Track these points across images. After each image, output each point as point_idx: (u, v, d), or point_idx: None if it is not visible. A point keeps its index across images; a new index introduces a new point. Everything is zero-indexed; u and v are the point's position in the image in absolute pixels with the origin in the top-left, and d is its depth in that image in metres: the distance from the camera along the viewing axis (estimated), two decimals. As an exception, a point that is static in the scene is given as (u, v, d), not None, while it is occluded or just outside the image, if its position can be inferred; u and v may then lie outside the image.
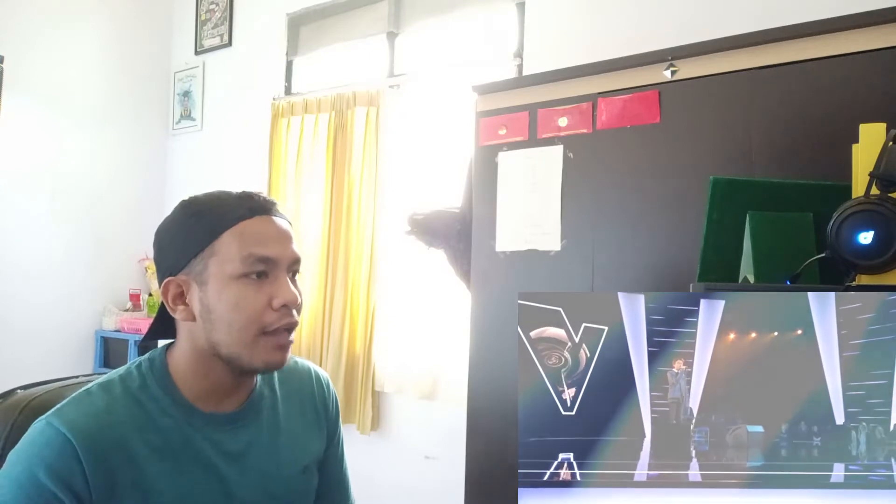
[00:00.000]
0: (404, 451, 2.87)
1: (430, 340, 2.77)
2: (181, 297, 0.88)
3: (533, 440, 0.66)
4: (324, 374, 1.10)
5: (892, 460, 0.67)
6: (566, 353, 0.66)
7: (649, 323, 0.67)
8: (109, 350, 3.65)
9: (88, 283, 3.63)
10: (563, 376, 0.66)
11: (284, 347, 0.89)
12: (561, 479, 0.67)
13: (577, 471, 0.66)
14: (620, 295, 0.67)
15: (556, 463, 0.67)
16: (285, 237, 0.90)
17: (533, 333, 0.66)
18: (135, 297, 3.73)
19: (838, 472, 0.66)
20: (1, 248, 3.30)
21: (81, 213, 3.59)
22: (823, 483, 0.66)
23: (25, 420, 0.90)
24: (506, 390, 1.88)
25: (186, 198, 0.91)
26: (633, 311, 0.66)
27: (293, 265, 0.90)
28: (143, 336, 1.00)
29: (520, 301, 0.66)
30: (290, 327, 0.88)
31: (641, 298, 0.67)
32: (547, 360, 0.66)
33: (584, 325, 0.65)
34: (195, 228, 0.87)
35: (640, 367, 0.67)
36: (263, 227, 0.88)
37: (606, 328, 0.66)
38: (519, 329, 0.66)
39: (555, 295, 0.68)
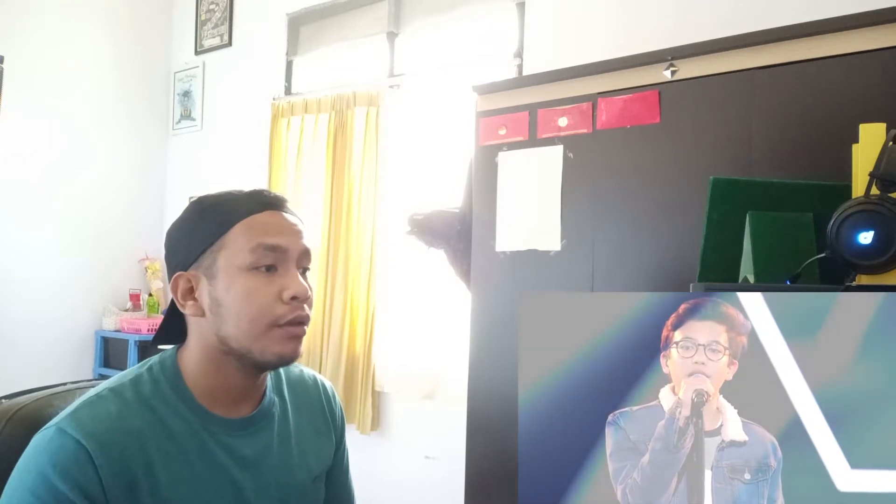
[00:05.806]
0: (404, 451, 2.87)
1: (430, 340, 2.77)
2: (190, 292, 0.87)
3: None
4: (328, 383, 1.08)
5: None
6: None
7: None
8: (109, 350, 3.65)
9: (88, 283, 3.63)
10: None
11: (297, 338, 0.87)
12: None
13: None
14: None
15: None
16: (295, 231, 0.89)
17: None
18: (135, 297, 3.73)
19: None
20: (1, 247, 3.30)
21: (81, 213, 3.59)
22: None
23: (13, 431, 0.87)
24: (506, 390, 1.88)
25: (197, 196, 0.91)
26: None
27: (303, 260, 0.89)
28: (153, 337, 0.98)
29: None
30: (301, 321, 0.87)
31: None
32: None
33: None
34: (204, 224, 0.87)
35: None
36: (273, 220, 0.88)
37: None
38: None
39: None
